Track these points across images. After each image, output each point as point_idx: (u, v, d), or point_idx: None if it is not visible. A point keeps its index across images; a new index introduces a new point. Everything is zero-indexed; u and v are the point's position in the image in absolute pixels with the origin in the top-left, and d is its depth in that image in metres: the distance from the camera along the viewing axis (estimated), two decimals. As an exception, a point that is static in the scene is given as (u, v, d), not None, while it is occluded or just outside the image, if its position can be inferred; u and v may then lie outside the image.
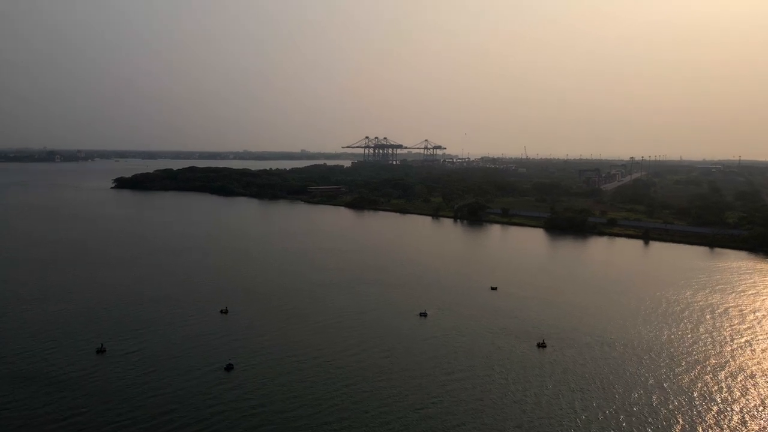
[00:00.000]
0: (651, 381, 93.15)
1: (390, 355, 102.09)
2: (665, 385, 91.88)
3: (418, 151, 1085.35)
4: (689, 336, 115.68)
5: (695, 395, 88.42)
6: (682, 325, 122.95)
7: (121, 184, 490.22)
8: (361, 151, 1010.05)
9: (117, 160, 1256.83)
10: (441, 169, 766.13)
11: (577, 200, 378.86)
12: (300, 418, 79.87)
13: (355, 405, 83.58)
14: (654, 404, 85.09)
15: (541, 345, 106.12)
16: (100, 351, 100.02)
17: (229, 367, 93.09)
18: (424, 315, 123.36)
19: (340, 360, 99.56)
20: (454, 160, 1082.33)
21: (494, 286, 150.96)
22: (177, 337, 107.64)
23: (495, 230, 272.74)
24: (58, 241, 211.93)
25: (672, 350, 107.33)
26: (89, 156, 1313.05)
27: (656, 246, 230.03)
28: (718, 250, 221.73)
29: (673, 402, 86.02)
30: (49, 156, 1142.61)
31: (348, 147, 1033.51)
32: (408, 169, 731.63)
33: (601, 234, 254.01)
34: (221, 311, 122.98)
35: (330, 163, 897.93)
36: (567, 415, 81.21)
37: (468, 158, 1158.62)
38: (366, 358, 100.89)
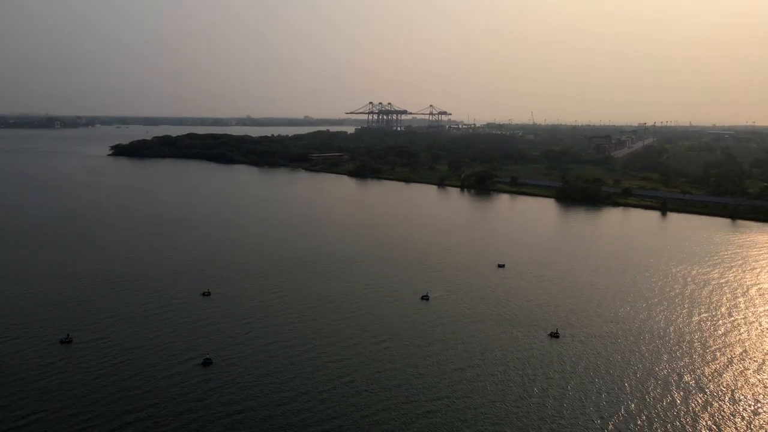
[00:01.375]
0: (689, 380, 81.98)
1: (390, 345, 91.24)
2: (704, 384, 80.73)
3: (423, 116, 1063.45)
4: (722, 324, 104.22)
5: (743, 397, 77.36)
6: (712, 310, 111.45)
7: (119, 151, 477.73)
8: (364, 117, 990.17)
9: (118, 126, 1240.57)
10: (446, 136, 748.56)
11: (587, 168, 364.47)
12: (288, 424, 69.64)
13: (352, 407, 73.06)
14: (695, 411, 74.06)
15: (554, 335, 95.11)
16: (66, 341, 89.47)
17: (206, 363, 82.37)
18: (426, 298, 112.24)
19: (335, 351, 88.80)
20: (460, 126, 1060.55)
21: (502, 263, 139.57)
22: (153, 325, 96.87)
23: (503, 201, 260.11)
24: (35, 213, 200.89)
25: (704, 341, 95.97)
26: (90, 122, 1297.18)
27: (674, 218, 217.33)
28: (740, 222, 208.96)
29: (717, 406, 75.01)
30: (48, 122, 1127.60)
31: (351, 113, 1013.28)
32: (412, 135, 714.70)
33: (616, 204, 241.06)
34: (203, 293, 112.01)
35: (333, 129, 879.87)
36: (592, 423, 70.40)
37: (474, 124, 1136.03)
38: (363, 348, 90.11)
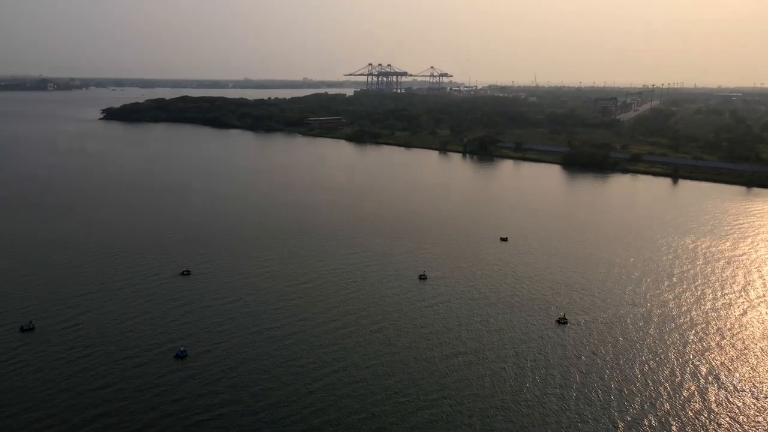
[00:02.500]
0: (706, 372, 73.75)
1: (386, 330, 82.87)
2: (722, 374, 72.58)
3: (423, 78, 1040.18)
4: (739, 304, 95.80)
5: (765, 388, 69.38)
6: (728, 288, 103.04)
7: (110, 115, 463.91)
8: (364, 79, 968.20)
9: (113, 89, 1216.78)
10: (448, 98, 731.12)
11: (593, 132, 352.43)
12: (274, 419, 61.99)
13: (342, 401, 65.12)
14: (714, 408, 66.02)
15: (562, 321, 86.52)
16: (27, 329, 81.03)
17: (181, 355, 73.99)
18: (423, 278, 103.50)
19: (324, 337, 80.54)
20: (461, 89, 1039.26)
21: (505, 236, 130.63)
22: (126, 309, 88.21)
23: (507, 167, 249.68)
24: (6, 179, 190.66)
25: (721, 325, 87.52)
26: (85, 84, 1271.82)
27: (686, 185, 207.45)
28: (756, 190, 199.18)
29: (742, 403, 66.96)
30: (41, 84, 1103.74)
31: (351, 75, 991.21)
32: (413, 98, 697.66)
33: (625, 171, 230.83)
34: (183, 273, 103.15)
35: (332, 91, 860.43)
36: (601, 421, 62.40)
37: (475, 86, 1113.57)
38: (356, 333, 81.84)
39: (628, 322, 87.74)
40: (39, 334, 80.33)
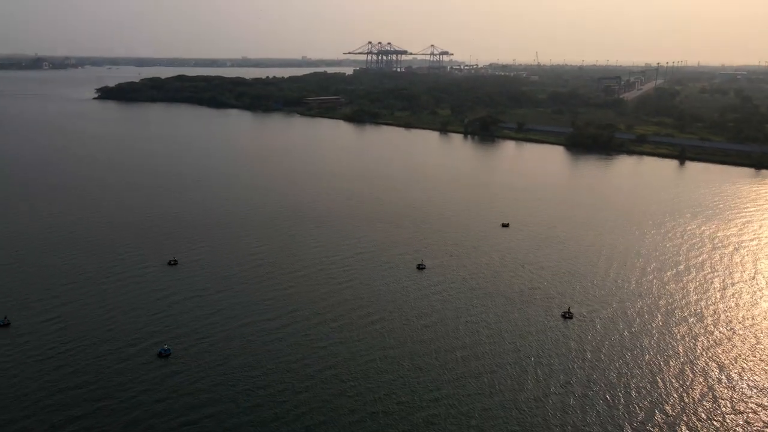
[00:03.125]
0: (717, 369, 69.22)
1: (382, 325, 78.26)
2: (735, 374, 68.06)
3: (423, 57, 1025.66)
4: (749, 294, 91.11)
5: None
6: (736, 276, 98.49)
7: (105, 94, 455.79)
8: (363, 57, 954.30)
9: (109, 67, 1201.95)
10: (448, 77, 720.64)
11: (597, 112, 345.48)
12: (260, 421, 57.85)
13: (335, 400, 60.78)
14: (725, 409, 61.59)
15: (567, 315, 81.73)
16: (2, 325, 76.42)
17: (164, 354, 69.45)
18: (422, 267, 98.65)
19: (316, 330, 76.08)
20: (462, 68, 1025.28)
21: (506, 222, 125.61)
22: (108, 302, 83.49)
23: (509, 148, 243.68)
24: None
25: (732, 317, 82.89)
26: (80, 63, 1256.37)
27: (693, 167, 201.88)
28: (765, 172, 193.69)
29: (756, 404, 62.52)
30: (36, 63, 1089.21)
31: (350, 53, 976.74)
32: (413, 77, 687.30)
33: (630, 152, 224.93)
34: (169, 263, 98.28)
35: (331, 70, 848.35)
36: (607, 425, 58.19)
37: (476, 65, 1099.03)
38: (350, 327, 77.34)
39: (635, 315, 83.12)
40: (14, 329, 75.79)
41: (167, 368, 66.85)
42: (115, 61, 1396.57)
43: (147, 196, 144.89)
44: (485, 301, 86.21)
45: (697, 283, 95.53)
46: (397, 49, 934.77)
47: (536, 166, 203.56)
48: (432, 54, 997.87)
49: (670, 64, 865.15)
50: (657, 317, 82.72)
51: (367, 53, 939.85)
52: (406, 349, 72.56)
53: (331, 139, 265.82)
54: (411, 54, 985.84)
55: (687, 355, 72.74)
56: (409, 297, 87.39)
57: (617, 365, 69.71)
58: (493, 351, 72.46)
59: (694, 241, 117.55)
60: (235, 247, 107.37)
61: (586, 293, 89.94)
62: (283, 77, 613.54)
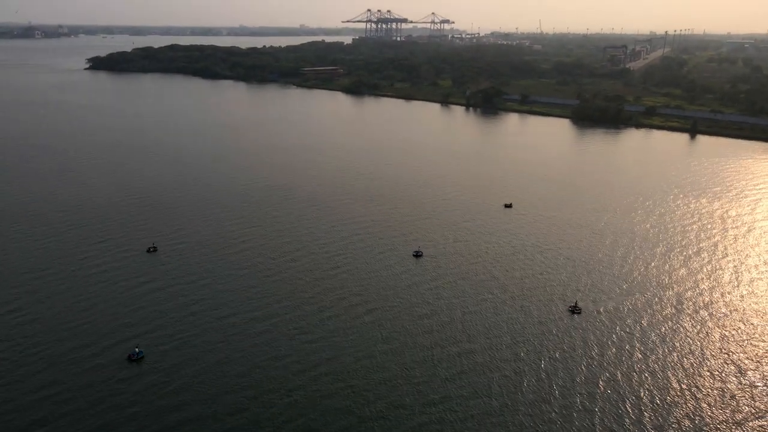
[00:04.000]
0: (735, 372, 62.56)
1: (374, 319, 71.33)
2: (757, 377, 61.55)
3: (424, 26, 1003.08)
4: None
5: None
6: (752, 260, 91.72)
7: (97, 64, 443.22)
8: (362, 26, 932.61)
9: (104, 36, 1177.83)
10: (449, 47, 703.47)
11: (603, 82, 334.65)
12: (243, 427, 51.88)
13: (326, 402, 54.29)
14: (749, 416, 55.20)
15: (575, 309, 74.65)
16: (-39, 325, 69.64)
17: (135, 357, 62.64)
18: (418, 255, 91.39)
19: (306, 325, 69.29)
20: (463, 36, 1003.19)
21: (509, 203, 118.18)
22: (79, 294, 76.31)
23: (512, 122, 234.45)
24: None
25: (746, 308, 76.27)
26: (73, 32, 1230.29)
27: (706, 142, 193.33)
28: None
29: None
30: (28, 32, 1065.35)
31: (349, 21, 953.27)
32: (413, 46, 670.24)
33: (639, 126, 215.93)
34: (148, 249, 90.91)
35: (330, 39, 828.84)
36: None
37: (478, 34, 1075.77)
38: (343, 323, 70.52)
39: (654, 309, 76.10)
40: (-24, 329, 69.00)
41: (140, 373, 60.18)
42: (109, 30, 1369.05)
43: (128, 173, 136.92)
44: (486, 293, 79.15)
45: (710, 269, 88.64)
46: (396, 17, 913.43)
47: (541, 140, 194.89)
48: (432, 22, 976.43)
49: (676, 33, 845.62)
50: (668, 309, 75.71)
51: (366, 21, 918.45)
52: (402, 345, 65.88)
53: (328, 112, 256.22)
54: (411, 22, 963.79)
55: (701, 352, 65.95)
56: (405, 288, 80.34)
57: (626, 366, 62.84)
58: (493, 348, 65.68)
59: (706, 221, 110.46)
60: (220, 230, 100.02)
61: (594, 284, 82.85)
62: (280, 46, 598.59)
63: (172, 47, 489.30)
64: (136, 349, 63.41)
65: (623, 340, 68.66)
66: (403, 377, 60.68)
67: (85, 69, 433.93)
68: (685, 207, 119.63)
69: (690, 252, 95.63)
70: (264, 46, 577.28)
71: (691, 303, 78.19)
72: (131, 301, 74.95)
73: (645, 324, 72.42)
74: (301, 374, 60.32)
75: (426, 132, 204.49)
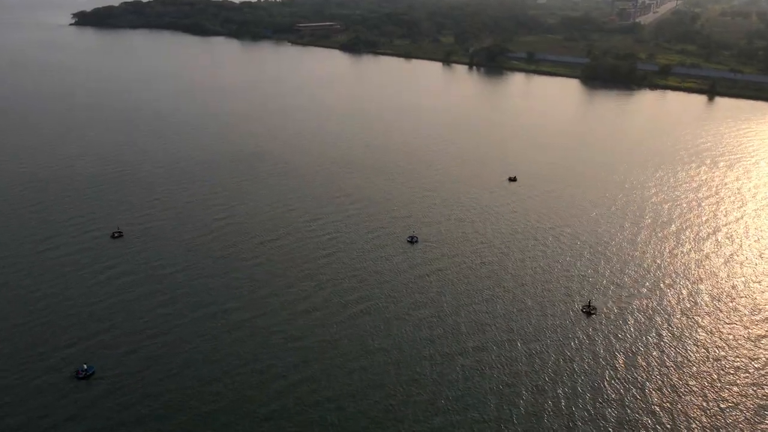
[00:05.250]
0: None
1: (365, 316, 62.45)
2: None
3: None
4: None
5: None
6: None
7: (82, 20, 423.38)
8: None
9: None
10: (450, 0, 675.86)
11: (613, 38, 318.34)
12: None
13: (306, 417, 46.13)
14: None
15: (590, 310, 65.40)
16: None
17: (83, 375, 53.63)
18: (413, 240, 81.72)
19: (289, 325, 60.43)
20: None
21: (513, 176, 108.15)
22: (31, 288, 67.05)
23: (518, 82, 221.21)
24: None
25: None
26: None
27: (724, 104, 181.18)
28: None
29: None
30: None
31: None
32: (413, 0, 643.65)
33: (654, 87, 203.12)
34: (114, 234, 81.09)
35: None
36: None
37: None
38: (330, 320, 61.81)
39: (675, 307, 66.83)
40: None
41: (88, 385, 51.47)
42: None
43: (98, 144, 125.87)
44: (489, 288, 69.81)
45: (744, 257, 79.34)
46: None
47: (548, 103, 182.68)
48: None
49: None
50: (701, 307, 66.51)
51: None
52: (395, 353, 56.99)
53: (323, 72, 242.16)
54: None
55: (749, 366, 57.09)
56: (400, 281, 70.99)
57: (657, 385, 54.11)
58: (501, 361, 56.68)
59: (733, 197, 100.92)
60: (195, 210, 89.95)
61: (611, 276, 73.51)
62: (274, 0, 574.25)
63: (162, 1, 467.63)
64: (84, 366, 54.37)
65: (647, 351, 59.60)
66: (396, 396, 51.86)
67: (71, 25, 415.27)
68: (707, 179, 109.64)
69: (718, 236, 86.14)
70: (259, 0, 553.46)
71: (722, 297, 68.96)
72: (88, 297, 65.68)
73: (669, 325, 63.27)
74: (280, 393, 51.58)
75: (426, 95, 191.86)
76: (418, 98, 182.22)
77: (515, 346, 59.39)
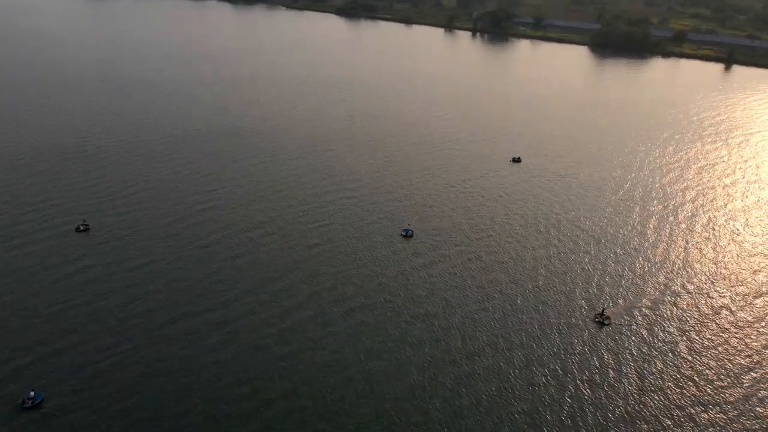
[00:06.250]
0: None
1: (356, 321, 54.59)
2: None
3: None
4: None
5: None
6: None
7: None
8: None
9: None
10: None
11: (623, 1, 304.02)
12: None
13: None
14: None
15: (603, 320, 56.93)
16: None
17: (29, 405, 46.50)
18: (408, 235, 73.48)
19: (270, 331, 52.67)
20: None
21: (517, 156, 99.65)
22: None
23: (524, 50, 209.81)
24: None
25: None
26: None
27: (741, 73, 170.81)
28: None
29: None
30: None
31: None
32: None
33: (667, 55, 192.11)
34: (78, 227, 72.56)
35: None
36: None
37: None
38: (316, 325, 54.07)
39: (703, 316, 59.04)
40: None
41: (35, 416, 44.43)
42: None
43: (66, 124, 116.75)
44: (489, 290, 61.93)
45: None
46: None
47: (555, 73, 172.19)
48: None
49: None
50: (737, 316, 58.83)
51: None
52: (390, 368, 49.48)
53: (317, 38, 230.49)
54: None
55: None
56: (392, 281, 63.08)
57: (687, 411, 46.79)
58: (506, 384, 49.08)
59: (755, 180, 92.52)
60: (171, 197, 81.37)
61: (627, 277, 65.33)
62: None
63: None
64: (32, 393, 47.25)
65: (666, 368, 52.03)
66: (388, 419, 44.80)
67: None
68: (728, 159, 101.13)
69: (749, 230, 78.06)
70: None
71: (758, 300, 61.30)
72: (42, 305, 58.22)
73: (701, 339, 55.58)
74: (257, 402, 44.36)
75: (426, 63, 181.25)
76: (416, 68, 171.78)
77: (518, 360, 51.83)
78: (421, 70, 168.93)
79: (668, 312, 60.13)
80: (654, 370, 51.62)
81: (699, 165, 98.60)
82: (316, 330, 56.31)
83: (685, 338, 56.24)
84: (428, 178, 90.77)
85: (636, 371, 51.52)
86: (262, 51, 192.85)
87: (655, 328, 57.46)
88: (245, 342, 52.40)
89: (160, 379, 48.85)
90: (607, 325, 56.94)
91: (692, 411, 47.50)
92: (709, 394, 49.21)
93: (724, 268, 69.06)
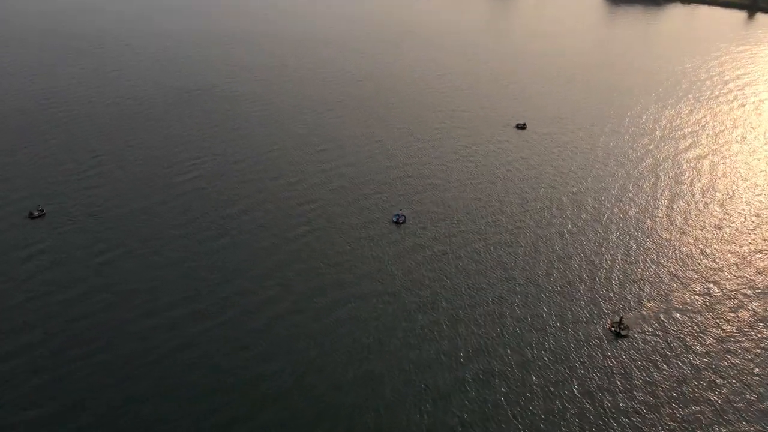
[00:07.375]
0: None
1: (342, 324, 48.12)
2: None
3: None
4: None
5: None
6: None
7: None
8: None
9: None
10: None
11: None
12: None
13: None
14: None
15: (620, 330, 48.60)
16: None
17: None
18: (399, 221, 65.50)
19: (250, 336, 45.87)
20: None
21: (522, 122, 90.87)
22: None
23: (528, 1, 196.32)
24: None
25: None
26: None
27: (764, 22, 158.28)
28: None
29: None
30: None
31: None
32: None
33: (686, 1, 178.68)
34: (32, 214, 64.90)
35: None
36: None
37: None
38: (302, 329, 47.34)
39: (741, 330, 51.95)
40: None
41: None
42: None
43: (37, 82, 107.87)
44: (490, 288, 54.77)
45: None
46: None
47: (564, 24, 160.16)
48: None
49: None
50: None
51: None
52: (384, 381, 43.17)
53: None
54: None
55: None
56: (383, 275, 56.15)
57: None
58: (512, 411, 42.46)
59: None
60: (141, 180, 73.76)
61: (647, 278, 57.61)
62: None
63: None
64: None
65: (701, 396, 45.01)
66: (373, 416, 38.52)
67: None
68: (758, 126, 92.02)
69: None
70: None
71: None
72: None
73: (742, 361, 48.42)
74: (238, 414, 38.34)
75: (424, 14, 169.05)
76: (411, 19, 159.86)
77: (526, 379, 45.08)
78: (415, 23, 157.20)
79: (690, 318, 52.44)
80: (689, 395, 44.24)
81: (722, 128, 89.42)
82: (304, 322, 49.16)
83: (719, 355, 48.64)
84: (422, 149, 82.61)
85: (653, 393, 43.91)
86: (237, 13, 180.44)
87: (681, 342, 49.82)
88: (215, 355, 45.52)
89: (129, 383, 42.44)
90: (625, 336, 49.38)
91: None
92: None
93: (748, 268, 61.23)
